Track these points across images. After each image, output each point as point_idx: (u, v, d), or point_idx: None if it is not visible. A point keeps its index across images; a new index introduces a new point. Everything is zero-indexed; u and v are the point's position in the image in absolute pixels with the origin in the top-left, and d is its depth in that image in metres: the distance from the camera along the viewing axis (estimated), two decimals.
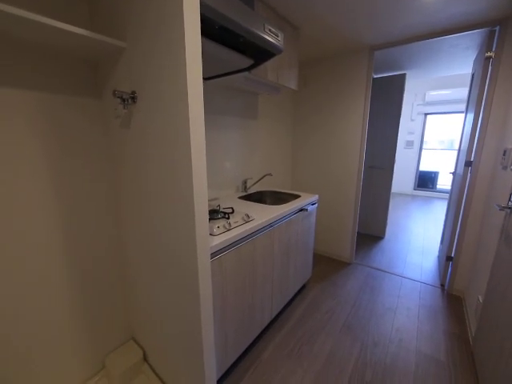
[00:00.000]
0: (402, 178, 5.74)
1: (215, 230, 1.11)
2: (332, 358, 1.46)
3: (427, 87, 5.11)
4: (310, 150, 2.66)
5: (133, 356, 1.32)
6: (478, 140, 1.76)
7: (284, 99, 2.50)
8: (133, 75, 0.93)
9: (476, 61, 2.05)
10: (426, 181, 5.65)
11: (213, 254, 1.03)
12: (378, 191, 3.16)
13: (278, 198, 2.03)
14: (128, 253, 1.28)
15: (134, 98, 0.94)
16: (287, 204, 1.65)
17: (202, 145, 0.82)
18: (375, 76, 3.02)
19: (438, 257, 2.61)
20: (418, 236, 3.26)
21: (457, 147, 2.45)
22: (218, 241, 1.05)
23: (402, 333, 1.64)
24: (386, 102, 2.98)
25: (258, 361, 1.44)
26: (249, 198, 1.96)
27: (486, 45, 1.70)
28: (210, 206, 1.47)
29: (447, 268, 2.12)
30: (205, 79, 1.45)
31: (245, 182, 2.03)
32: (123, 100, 0.93)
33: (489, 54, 1.67)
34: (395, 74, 2.92)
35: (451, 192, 2.41)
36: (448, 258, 2.07)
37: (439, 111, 5.18)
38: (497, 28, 1.63)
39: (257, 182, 2.17)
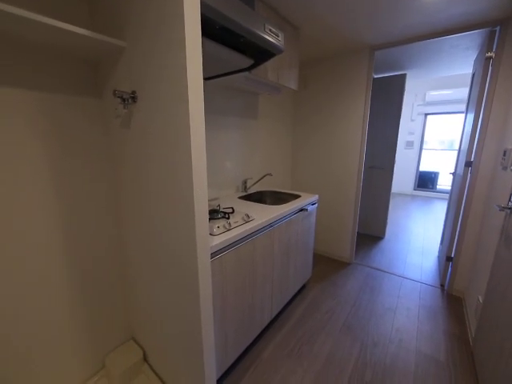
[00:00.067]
0: (402, 178, 5.74)
1: (215, 230, 1.12)
2: (332, 358, 1.46)
3: (427, 87, 5.10)
4: (310, 150, 2.66)
5: (133, 356, 1.32)
6: (478, 140, 1.76)
7: (284, 99, 2.50)
8: (133, 75, 0.93)
9: (476, 61, 2.05)
10: (426, 181, 5.64)
11: (213, 254, 1.03)
12: (378, 191, 3.16)
13: (278, 197, 2.03)
14: (128, 253, 1.28)
15: (134, 98, 0.94)
16: (287, 204, 1.65)
17: (203, 145, 0.82)
18: (375, 76, 3.02)
19: (438, 257, 2.61)
20: (418, 236, 3.26)
21: (457, 147, 2.45)
22: (218, 241, 1.05)
23: (401, 333, 1.64)
24: (387, 102, 2.97)
25: (258, 360, 1.44)
26: (249, 197, 1.96)
27: (487, 45, 1.70)
28: (210, 205, 1.47)
29: (447, 268, 2.12)
30: (205, 79, 1.45)
31: (245, 182, 2.03)
32: (123, 100, 0.93)
33: (489, 54, 1.67)
34: (395, 74, 2.91)
35: (451, 192, 2.41)
36: (448, 259, 2.07)
37: (439, 111, 5.18)
38: (497, 28, 1.63)
39: (257, 181, 2.17)
